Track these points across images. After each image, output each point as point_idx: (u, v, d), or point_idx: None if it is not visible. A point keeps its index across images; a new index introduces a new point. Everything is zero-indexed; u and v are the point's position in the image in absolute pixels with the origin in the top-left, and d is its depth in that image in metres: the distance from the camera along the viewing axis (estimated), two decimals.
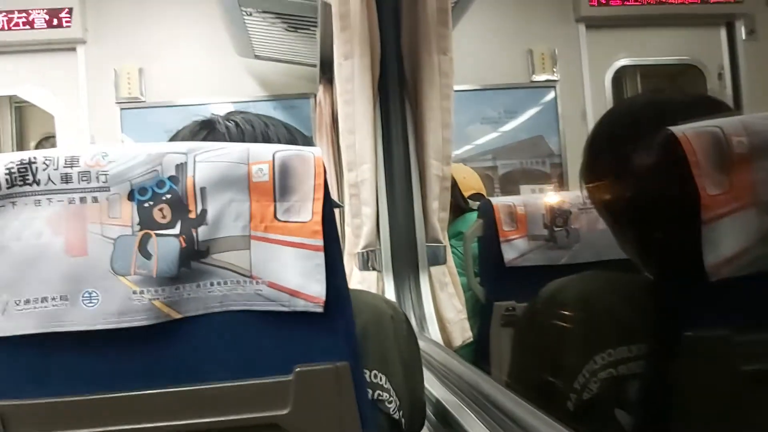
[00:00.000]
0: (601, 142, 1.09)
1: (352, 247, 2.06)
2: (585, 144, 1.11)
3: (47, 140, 5.37)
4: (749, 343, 0.77)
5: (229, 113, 1.03)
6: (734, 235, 0.75)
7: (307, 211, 0.74)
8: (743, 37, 4.70)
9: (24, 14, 4.37)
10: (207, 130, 0.99)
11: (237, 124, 0.99)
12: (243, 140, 0.97)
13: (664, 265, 0.83)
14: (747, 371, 0.77)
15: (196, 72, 4.46)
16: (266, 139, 0.98)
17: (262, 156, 0.75)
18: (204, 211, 0.74)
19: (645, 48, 4.75)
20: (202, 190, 0.74)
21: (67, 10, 4.39)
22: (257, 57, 4.16)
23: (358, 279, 2.00)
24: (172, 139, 1.00)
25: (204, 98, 4.44)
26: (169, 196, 0.74)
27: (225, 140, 0.96)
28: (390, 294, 1.99)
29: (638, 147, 0.98)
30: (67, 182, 0.73)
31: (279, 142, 0.98)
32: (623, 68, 4.80)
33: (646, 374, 0.87)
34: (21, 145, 5.52)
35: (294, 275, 0.74)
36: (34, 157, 0.73)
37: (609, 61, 4.74)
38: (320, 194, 0.75)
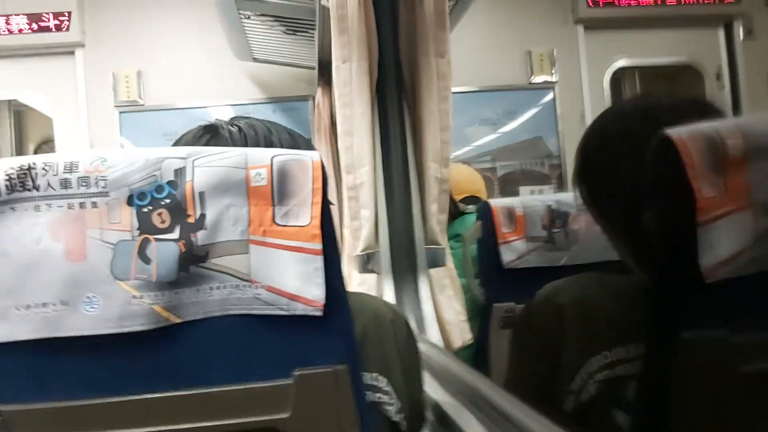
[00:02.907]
0: (593, 146, 1.10)
1: (351, 249, 2.06)
2: (577, 148, 1.11)
3: (46, 144, 5.36)
4: (745, 343, 0.77)
5: (232, 118, 1.04)
6: (730, 237, 0.76)
7: (305, 215, 0.75)
8: (741, 37, 4.70)
9: (23, 18, 4.37)
10: (210, 134, 1.00)
11: (240, 129, 1.00)
12: (245, 145, 0.97)
13: (660, 267, 0.83)
14: (744, 371, 0.77)
15: (194, 75, 4.46)
16: (269, 144, 0.98)
17: (260, 160, 0.76)
18: (203, 216, 0.74)
19: (643, 49, 4.75)
20: (201, 194, 0.74)
21: (66, 14, 4.39)
22: (256, 60, 4.16)
23: (357, 281, 2.00)
24: (176, 143, 1.01)
25: (203, 101, 4.45)
26: (168, 201, 0.74)
27: (227, 145, 0.97)
28: (389, 296, 1.99)
29: (630, 150, 0.98)
30: (66, 188, 0.74)
31: (281, 147, 0.99)
32: (621, 69, 4.80)
33: (644, 375, 0.88)
34: (20, 150, 5.51)
35: (293, 279, 0.74)
36: (34, 163, 0.74)
37: (607, 62, 4.74)
38: (318, 198, 0.75)
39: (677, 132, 0.77)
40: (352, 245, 2.05)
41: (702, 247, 0.76)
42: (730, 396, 0.79)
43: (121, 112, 4.46)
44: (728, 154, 0.76)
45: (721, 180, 0.76)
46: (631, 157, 0.97)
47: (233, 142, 0.97)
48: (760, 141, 0.77)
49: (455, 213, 2.63)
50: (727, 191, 0.76)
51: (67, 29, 4.40)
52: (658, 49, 4.77)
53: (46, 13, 4.37)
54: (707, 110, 0.98)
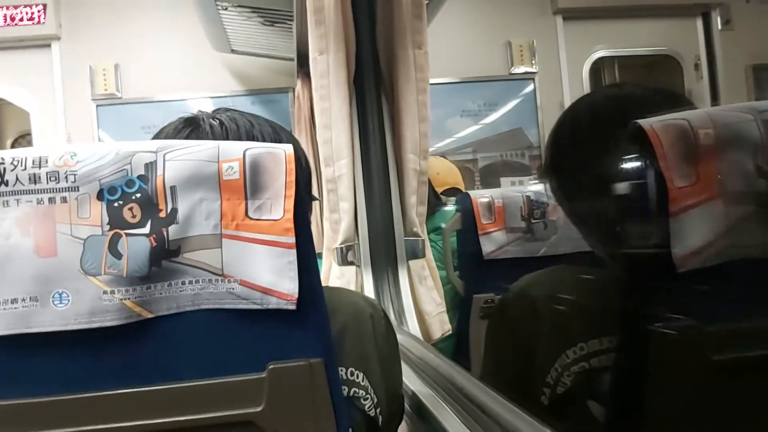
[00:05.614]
0: (563, 137, 1.10)
1: (330, 242, 2.05)
2: (547, 140, 1.11)
3: (23, 138, 5.32)
4: (717, 332, 0.78)
5: (214, 111, 1.03)
6: (701, 227, 0.76)
7: (278, 208, 0.74)
8: (719, 27, 4.73)
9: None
10: (191, 128, 0.98)
11: (221, 122, 0.98)
12: (227, 138, 0.96)
13: (632, 258, 0.84)
14: (716, 360, 0.78)
15: (172, 67, 4.43)
16: (250, 138, 0.97)
17: (232, 154, 0.75)
18: (174, 210, 0.73)
19: (622, 39, 4.78)
20: (172, 188, 0.73)
21: (41, 6, 4.34)
22: (234, 51, 4.14)
23: (336, 274, 2.00)
24: (155, 136, 0.99)
25: (181, 94, 4.42)
26: (138, 195, 0.73)
27: (209, 138, 0.95)
28: (369, 288, 1.99)
29: (601, 141, 0.98)
30: (35, 182, 0.73)
31: (264, 140, 0.98)
32: (601, 59, 4.83)
33: (619, 366, 0.88)
34: None
35: (266, 273, 0.73)
36: (2, 158, 0.73)
37: (587, 53, 4.76)
38: (292, 191, 0.74)
39: (649, 122, 0.77)
40: (331, 238, 2.04)
41: (674, 237, 0.76)
42: (704, 385, 0.80)
43: (98, 106, 4.42)
44: (700, 144, 0.77)
45: (692, 170, 0.77)
46: (602, 148, 0.97)
47: (214, 136, 0.96)
48: (731, 130, 0.77)
49: (437, 205, 2.63)
50: (699, 181, 0.77)
51: (43, 22, 4.35)
52: (636, 39, 4.80)
53: (21, 6, 4.32)
54: (679, 101, 0.99)
